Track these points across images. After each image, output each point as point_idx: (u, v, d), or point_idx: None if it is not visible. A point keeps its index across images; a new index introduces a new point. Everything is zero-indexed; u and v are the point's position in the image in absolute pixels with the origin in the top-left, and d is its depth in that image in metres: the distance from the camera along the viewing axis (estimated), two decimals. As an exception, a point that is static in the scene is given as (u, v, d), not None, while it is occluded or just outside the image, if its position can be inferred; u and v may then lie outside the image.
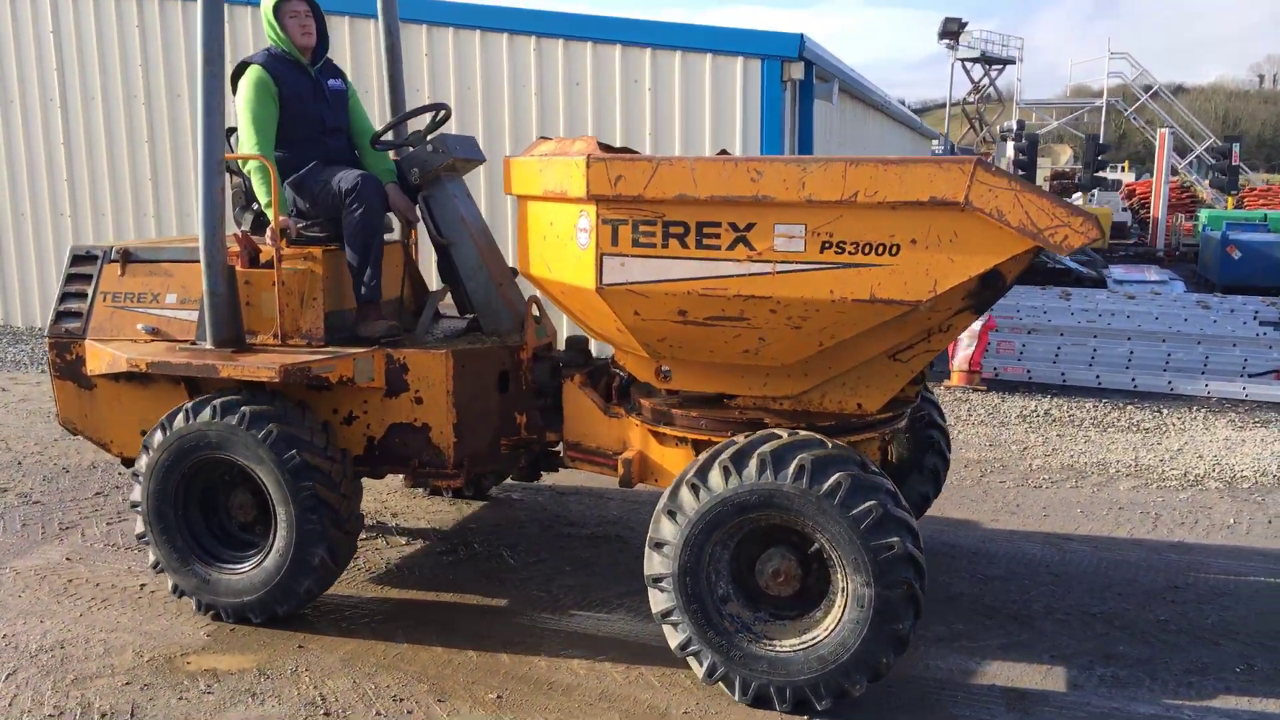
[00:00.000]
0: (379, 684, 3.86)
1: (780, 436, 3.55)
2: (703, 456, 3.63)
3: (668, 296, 3.53)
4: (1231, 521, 5.70)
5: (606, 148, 3.83)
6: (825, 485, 3.39)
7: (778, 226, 3.37)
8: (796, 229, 3.36)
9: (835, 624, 3.49)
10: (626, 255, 3.52)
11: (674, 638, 3.67)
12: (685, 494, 3.59)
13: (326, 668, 3.97)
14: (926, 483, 5.10)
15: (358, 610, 4.48)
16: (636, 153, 3.97)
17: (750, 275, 3.41)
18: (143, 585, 4.74)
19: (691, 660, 3.66)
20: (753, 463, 3.48)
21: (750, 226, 3.39)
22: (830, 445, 3.51)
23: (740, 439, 3.59)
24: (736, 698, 3.61)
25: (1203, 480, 6.46)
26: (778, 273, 3.39)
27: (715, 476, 3.53)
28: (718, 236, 3.42)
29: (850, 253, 3.33)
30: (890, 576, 3.38)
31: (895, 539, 3.37)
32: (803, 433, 3.58)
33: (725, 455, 3.54)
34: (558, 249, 3.80)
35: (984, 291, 3.47)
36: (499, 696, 3.77)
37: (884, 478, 3.51)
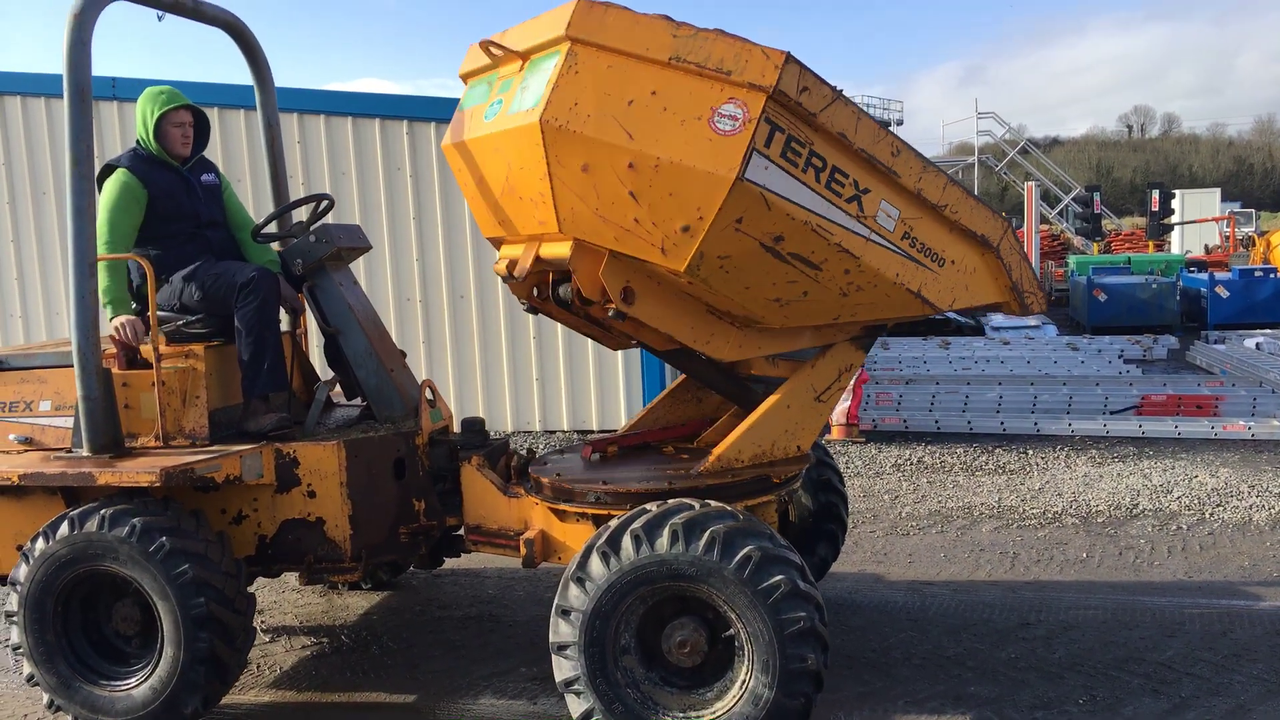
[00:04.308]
0: (226, 792, 3.74)
1: (692, 507, 3.59)
2: (614, 523, 3.62)
3: (785, 217, 3.47)
4: (1084, 556, 5.95)
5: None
6: (736, 558, 3.44)
7: (883, 202, 3.62)
8: (894, 211, 3.65)
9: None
10: (772, 162, 3.43)
11: (576, 707, 3.62)
12: (595, 561, 3.57)
13: (172, 779, 3.83)
14: (826, 547, 5.21)
15: (212, 716, 4.33)
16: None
17: (853, 233, 3.59)
18: (-19, 708, 4.52)
19: None
20: (665, 533, 3.51)
21: (867, 191, 3.58)
22: (741, 517, 3.56)
23: (653, 507, 3.61)
24: None
25: (1060, 517, 6.74)
26: (870, 240, 3.62)
27: (626, 545, 3.54)
28: (843, 186, 3.54)
29: (919, 250, 3.73)
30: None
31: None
32: (714, 504, 3.63)
33: (638, 524, 3.55)
34: (662, 122, 3.46)
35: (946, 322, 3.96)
36: (352, 794, 3.69)
37: (793, 552, 3.57)
